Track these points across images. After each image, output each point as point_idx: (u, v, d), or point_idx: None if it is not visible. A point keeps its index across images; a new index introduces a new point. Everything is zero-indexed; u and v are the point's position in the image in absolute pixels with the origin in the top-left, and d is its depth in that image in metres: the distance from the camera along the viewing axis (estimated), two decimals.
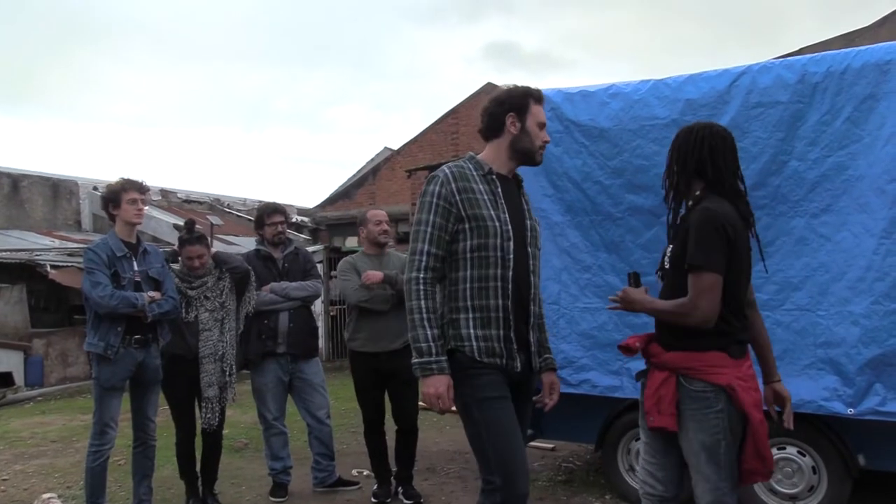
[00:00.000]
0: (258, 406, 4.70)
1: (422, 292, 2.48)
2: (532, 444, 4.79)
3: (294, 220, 17.42)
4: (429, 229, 2.52)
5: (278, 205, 4.90)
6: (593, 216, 4.21)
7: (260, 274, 4.66)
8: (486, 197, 2.56)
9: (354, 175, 21.58)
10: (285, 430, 4.71)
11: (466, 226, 2.52)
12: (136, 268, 4.05)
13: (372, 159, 22.12)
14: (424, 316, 2.46)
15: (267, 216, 4.74)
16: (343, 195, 19.54)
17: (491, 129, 2.69)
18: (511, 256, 2.54)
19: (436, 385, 2.44)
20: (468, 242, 2.52)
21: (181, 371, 4.28)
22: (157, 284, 4.12)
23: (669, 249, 2.56)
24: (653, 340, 2.60)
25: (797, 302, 3.62)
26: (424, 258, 2.50)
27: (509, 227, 2.56)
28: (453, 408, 2.50)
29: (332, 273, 12.90)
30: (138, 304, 3.92)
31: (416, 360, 2.46)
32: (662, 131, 3.97)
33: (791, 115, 3.68)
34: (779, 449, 3.75)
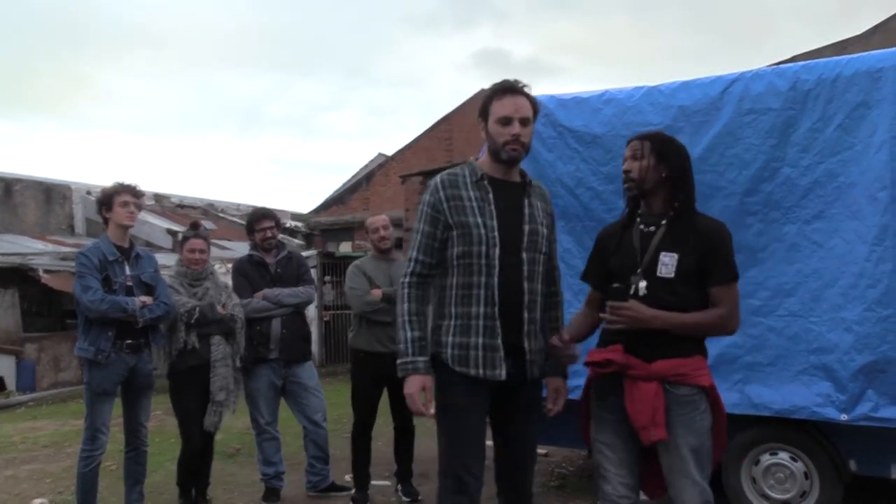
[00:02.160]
0: (251, 411, 4.69)
1: (405, 295, 2.59)
2: None
3: (288, 225, 17.40)
4: (418, 237, 2.61)
5: (268, 210, 4.87)
6: (586, 222, 4.21)
7: (253, 280, 4.66)
8: (474, 203, 2.57)
9: (349, 181, 21.61)
10: (278, 436, 4.70)
11: (454, 233, 2.56)
12: (128, 272, 4.03)
13: (366, 165, 22.16)
14: (406, 318, 2.55)
15: (256, 222, 4.73)
16: (337, 201, 19.56)
17: (483, 137, 2.73)
18: (496, 263, 2.52)
19: (409, 385, 2.52)
20: (455, 249, 2.56)
21: (194, 381, 4.27)
22: (149, 289, 4.10)
23: (674, 259, 2.51)
24: (623, 354, 2.49)
25: (790, 308, 3.64)
26: (412, 264, 2.60)
27: (496, 233, 2.53)
28: (431, 411, 2.58)
29: (326, 278, 12.89)
30: (129, 309, 3.90)
31: (399, 361, 2.55)
32: None
33: (783, 122, 3.69)
34: (771, 454, 3.77)
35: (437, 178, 2.65)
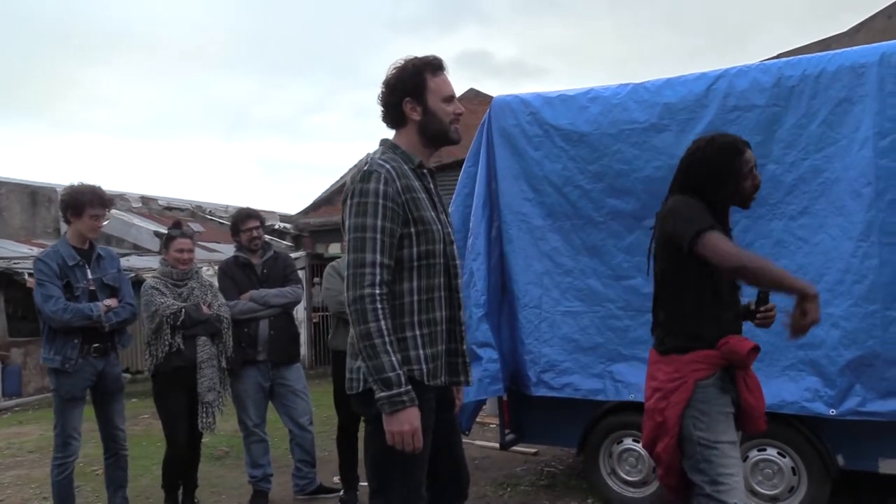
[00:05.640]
0: (238, 413, 4.65)
1: (380, 312, 2.11)
2: (514, 448, 4.77)
3: (276, 226, 17.33)
4: (378, 236, 2.15)
5: (252, 210, 4.80)
6: (574, 220, 4.20)
7: (239, 281, 4.62)
8: (423, 195, 2.27)
9: (337, 181, 21.50)
10: (266, 438, 4.66)
11: (412, 230, 2.21)
12: (89, 276, 3.91)
13: (355, 165, 22.05)
14: (387, 340, 2.11)
15: (241, 222, 4.67)
16: (325, 201, 19.44)
17: (393, 120, 2.35)
18: (456, 262, 2.33)
19: (410, 420, 2.10)
20: (414, 249, 2.22)
21: (179, 382, 4.21)
22: (112, 291, 4.00)
23: None
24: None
25: (776, 303, 3.63)
26: (378, 271, 2.14)
27: (450, 229, 2.35)
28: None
29: (315, 280, 12.85)
30: (94, 316, 3.80)
31: (383, 395, 2.09)
32: (641, 135, 4.00)
33: (768, 119, 3.70)
34: (759, 450, 3.77)
35: (383, 164, 2.22)
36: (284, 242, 16.20)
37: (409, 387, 2.12)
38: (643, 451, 4.03)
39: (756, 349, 2.49)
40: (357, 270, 2.14)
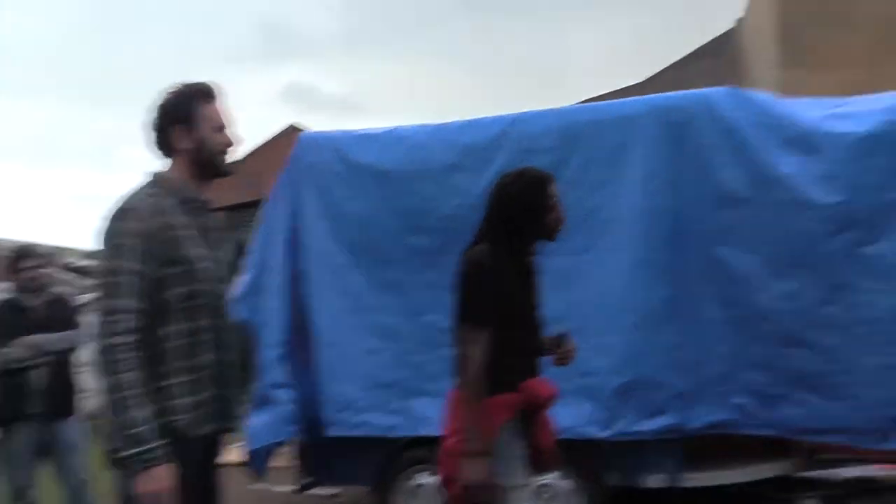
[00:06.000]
0: (7, 473, 4.17)
1: (129, 362, 1.97)
2: (315, 491, 4.64)
3: (77, 264, 16.05)
4: (130, 278, 2.01)
5: (31, 248, 4.41)
6: (376, 257, 4.22)
7: (11, 326, 4.17)
8: (188, 232, 2.14)
9: None
10: (37, 500, 4.23)
11: (174, 270, 2.08)
12: None
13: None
14: (136, 392, 1.97)
15: (18, 261, 4.27)
16: None
17: (163, 147, 2.23)
18: (224, 301, 2.25)
19: (161, 477, 1.96)
20: (175, 290, 2.08)
21: None
22: None
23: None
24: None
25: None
26: (125, 317, 2.00)
27: (219, 266, 2.26)
28: None
29: None
30: None
31: (133, 451, 1.95)
32: (442, 174, 4.13)
33: (556, 161, 3.91)
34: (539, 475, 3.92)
35: (136, 202, 2.10)
36: (89, 280, 15.05)
37: (161, 442, 1.99)
38: (436, 485, 4.05)
39: (555, 394, 2.60)
40: (107, 318, 2.01)
